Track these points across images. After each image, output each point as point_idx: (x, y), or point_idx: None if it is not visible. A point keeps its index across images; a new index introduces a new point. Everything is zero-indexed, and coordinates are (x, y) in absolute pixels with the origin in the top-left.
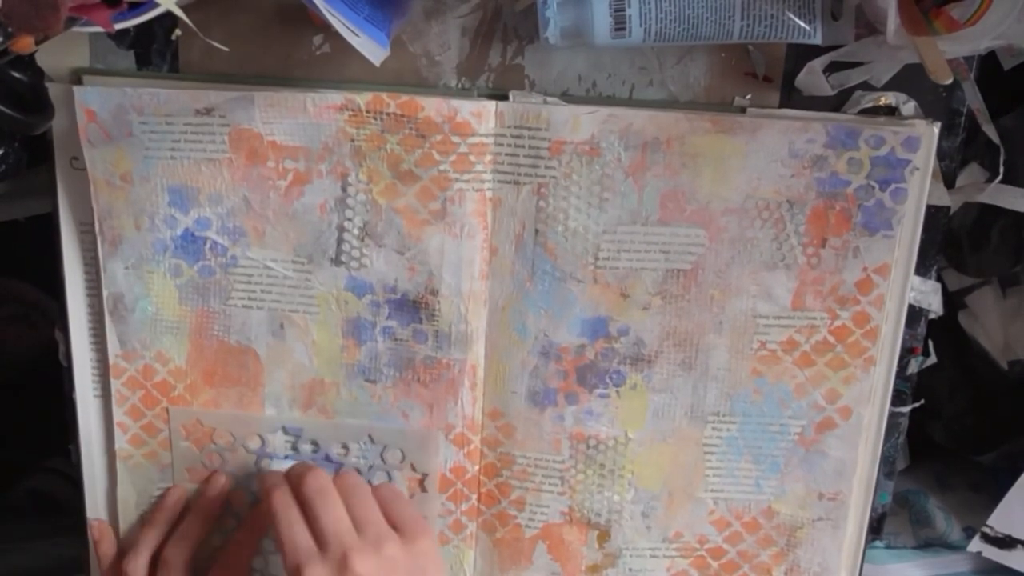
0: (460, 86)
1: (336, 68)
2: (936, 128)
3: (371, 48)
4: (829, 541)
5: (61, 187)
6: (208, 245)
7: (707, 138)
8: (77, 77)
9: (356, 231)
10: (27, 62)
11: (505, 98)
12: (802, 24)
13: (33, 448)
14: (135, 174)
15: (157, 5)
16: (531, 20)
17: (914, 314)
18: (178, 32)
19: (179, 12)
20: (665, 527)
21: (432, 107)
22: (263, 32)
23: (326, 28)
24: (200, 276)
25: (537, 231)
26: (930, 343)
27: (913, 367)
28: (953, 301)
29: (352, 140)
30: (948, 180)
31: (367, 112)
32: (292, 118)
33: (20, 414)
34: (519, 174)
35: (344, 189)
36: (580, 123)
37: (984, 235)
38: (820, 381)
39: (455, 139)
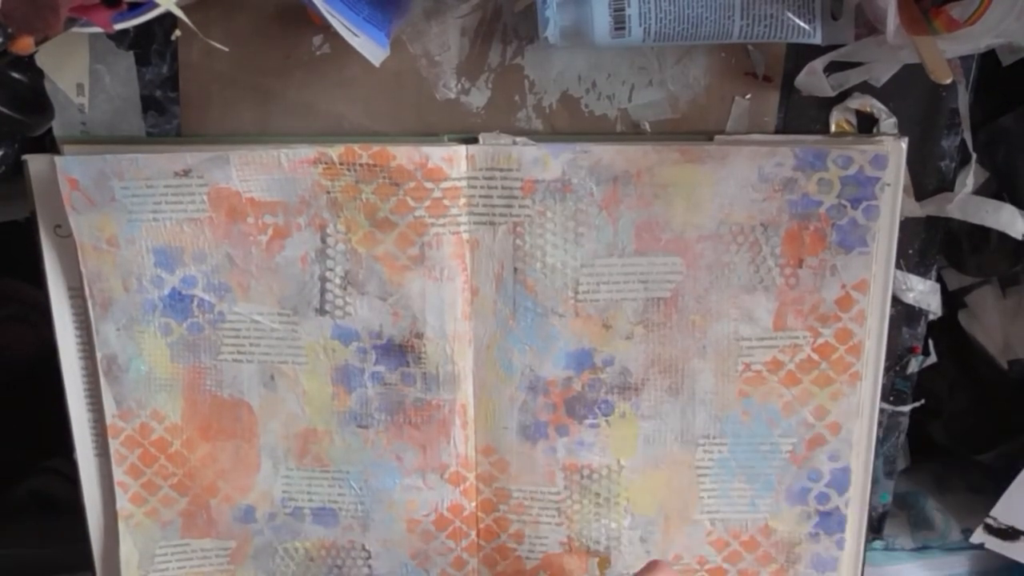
0: (460, 86)
1: (336, 68)
2: (904, 144)
3: (371, 48)
4: (828, 554)
5: (47, 255)
6: (195, 303)
7: (676, 168)
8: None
9: (338, 280)
10: (27, 63)
11: (475, 141)
12: (802, 24)
13: (33, 448)
14: (120, 237)
15: (157, 5)
16: (531, 20)
17: (914, 314)
18: (178, 32)
19: (179, 12)
20: (664, 551)
21: (404, 155)
22: (263, 32)
23: (326, 28)
24: (189, 333)
25: (516, 269)
26: (930, 343)
27: (913, 367)
28: (953, 301)
29: (328, 192)
30: (947, 180)
31: (340, 164)
32: (268, 174)
33: (20, 414)
34: (494, 215)
35: (323, 240)
36: (550, 161)
37: (984, 235)
38: (807, 399)
39: (428, 185)
